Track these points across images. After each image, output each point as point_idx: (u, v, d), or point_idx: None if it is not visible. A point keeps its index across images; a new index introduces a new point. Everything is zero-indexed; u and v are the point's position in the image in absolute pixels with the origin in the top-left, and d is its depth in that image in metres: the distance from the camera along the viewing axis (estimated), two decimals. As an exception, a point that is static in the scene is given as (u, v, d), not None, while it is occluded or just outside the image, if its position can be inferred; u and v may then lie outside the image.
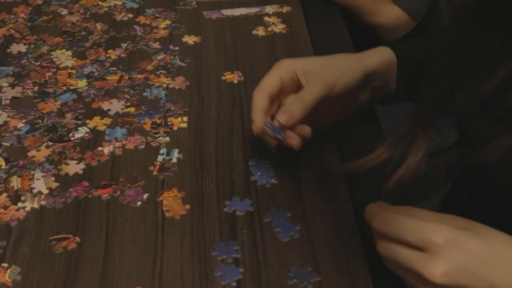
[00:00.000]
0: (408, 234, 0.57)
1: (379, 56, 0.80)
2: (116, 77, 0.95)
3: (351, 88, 0.76)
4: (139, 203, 0.74)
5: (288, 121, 0.72)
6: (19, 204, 0.74)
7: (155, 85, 0.93)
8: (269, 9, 1.12)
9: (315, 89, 0.73)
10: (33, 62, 0.99)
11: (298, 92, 0.74)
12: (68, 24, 1.08)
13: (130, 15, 1.11)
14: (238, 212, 0.72)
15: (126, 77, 0.95)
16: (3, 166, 0.79)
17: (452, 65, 0.58)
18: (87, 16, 1.11)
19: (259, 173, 0.77)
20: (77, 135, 0.84)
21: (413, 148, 0.60)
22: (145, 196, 0.75)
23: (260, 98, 0.74)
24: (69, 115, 0.87)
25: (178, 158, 0.80)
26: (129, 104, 0.90)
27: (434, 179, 1.38)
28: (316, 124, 0.76)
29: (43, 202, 0.74)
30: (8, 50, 1.01)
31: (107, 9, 1.13)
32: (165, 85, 0.93)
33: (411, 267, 0.56)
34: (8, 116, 0.87)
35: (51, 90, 0.92)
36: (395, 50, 0.81)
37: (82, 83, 0.94)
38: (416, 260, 0.56)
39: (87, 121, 0.86)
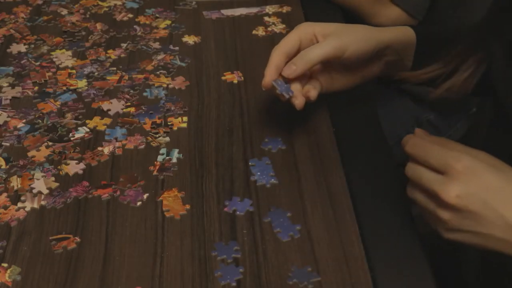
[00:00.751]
0: (432, 158, 0.61)
1: (397, 33, 0.81)
2: (116, 77, 0.95)
3: (362, 56, 0.78)
4: (139, 203, 0.74)
5: (290, 74, 0.75)
6: (19, 204, 0.74)
7: (155, 85, 0.93)
8: (269, 9, 1.12)
9: (322, 48, 0.76)
10: (33, 62, 0.99)
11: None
12: (68, 24, 1.08)
13: (130, 15, 1.11)
14: (238, 212, 0.72)
15: (126, 77, 0.95)
16: (3, 166, 0.79)
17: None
18: (87, 16, 1.11)
19: (259, 173, 0.77)
20: (77, 135, 0.84)
21: (463, 66, 0.66)
22: (145, 196, 0.75)
23: (276, 55, 0.77)
24: (69, 115, 0.87)
25: (178, 158, 0.80)
26: (129, 104, 0.90)
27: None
28: (326, 88, 0.80)
29: (43, 202, 0.74)
30: (8, 50, 1.01)
31: (107, 9, 1.13)
32: (165, 85, 0.93)
33: (430, 188, 0.60)
34: (8, 116, 0.87)
35: (51, 90, 0.92)
36: (416, 30, 0.82)
37: (82, 83, 0.94)
38: (435, 181, 0.60)
39: (87, 121, 0.86)
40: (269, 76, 0.76)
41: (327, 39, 0.77)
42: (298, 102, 0.76)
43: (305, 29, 0.78)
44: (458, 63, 0.70)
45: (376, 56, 0.80)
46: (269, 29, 1.07)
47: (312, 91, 0.77)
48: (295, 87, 0.77)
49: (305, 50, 0.76)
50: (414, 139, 0.64)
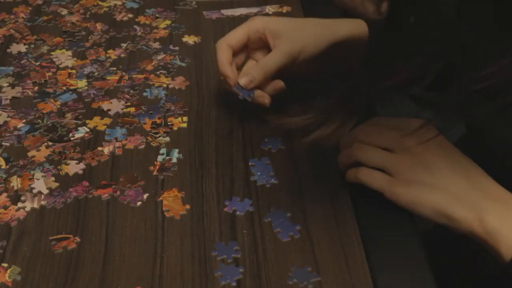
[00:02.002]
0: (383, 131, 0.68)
1: (350, 27, 0.81)
2: (116, 77, 0.95)
3: (315, 56, 0.79)
4: (139, 203, 0.74)
5: (248, 85, 0.77)
6: (19, 204, 0.74)
7: (155, 85, 0.93)
8: (269, 9, 1.12)
9: (277, 58, 0.77)
10: (33, 62, 0.99)
11: (263, 51, 0.80)
12: (68, 24, 1.08)
13: (130, 15, 1.11)
14: (238, 212, 0.72)
15: (126, 77, 0.95)
16: (3, 166, 0.79)
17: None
18: (87, 16, 1.11)
19: (259, 173, 0.77)
20: (77, 135, 0.84)
21: (332, 118, 0.65)
22: (145, 196, 0.75)
23: (223, 50, 0.78)
24: (69, 115, 0.87)
25: (178, 158, 0.80)
26: (129, 104, 0.90)
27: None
28: (292, 75, 0.81)
29: (43, 202, 0.74)
30: (8, 50, 1.01)
31: (107, 9, 1.13)
32: (165, 85, 0.93)
33: (387, 144, 0.66)
34: (8, 116, 0.87)
35: (51, 90, 0.92)
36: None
37: (82, 83, 0.94)
38: (392, 138, 0.66)
39: (87, 121, 0.86)
40: (232, 74, 0.77)
41: (279, 44, 0.77)
42: (265, 100, 0.78)
43: (256, 27, 0.79)
44: (328, 116, 0.66)
45: (328, 52, 0.80)
46: (269, 29, 1.07)
47: (279, 83, 0.78)
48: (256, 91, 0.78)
49: (262, 61, 0.78)
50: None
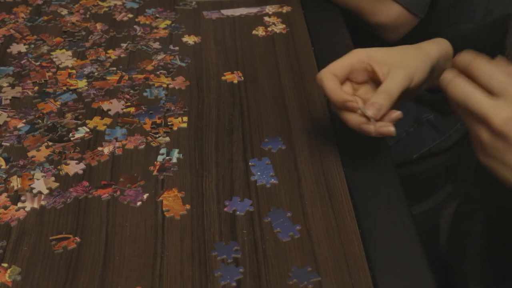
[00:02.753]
0: (492, 79, 0.58)
1: (440, 49, 0.78)
2: (116, 77, 0.95)
3: (424, 80, 0.75)
4: (139, 203, 0.74)
5: (377, 114, 0.70)
6: (19, 204, 0.74)
7: (155, 85, 0.93)
8: (269, 9, 1.12)
9: (399, 80, 0.72)
10: (33, 62, 0.99)
11: (371, 82, 0.75)
12: (68, 24, 1.08)
13: (130, 15, 1.11)
14: (238, 212, 0.72)
15: (126, 77, 0.95)
16: (3, 166, 0.79)
17: None
18: (87, 16, 1.11)
19: (259, 173, 0.77)
20: (77, 135, 0.84)
21: None
22: (145, 196, 0.75)
23: (330, 79, 0.72)
24: (69, 115, 0.87)
25: (178, 158, 0.80)
26: (129, 104, 0.90)
27: (434, 179, 1.38)
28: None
29: (43, 202, 0.74)
30: (8, 50, 1.01)
31: (107, 9, 1.13)
32: (165, 85, 0.93)
33: (478, 108, 0.58)
34: (8, 116, 0.87)
35: (51, 90, 0.92)
36: (447, 39, 0.80)
37: (82, 83, 0.94)
38: (485, 102, 0.57)
39: (87, 121, 0.86)
40: (352, 97, 0.71)
41: (393, 70, 0.73)
42: (392, 129, 0.71)
43: (359, 57, 0.74)
44: None
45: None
46: (269, 29, 1.07)
47: (394, 113, 0.72)
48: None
49: (383, 87, 0.72)
50: (467, 55, 0.61)
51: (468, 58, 0.60)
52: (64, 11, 1.12)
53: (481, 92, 0.58)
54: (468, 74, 0.60)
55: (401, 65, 0.73)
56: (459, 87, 0.60)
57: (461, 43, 0.83)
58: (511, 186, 0.59)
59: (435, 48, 0.78)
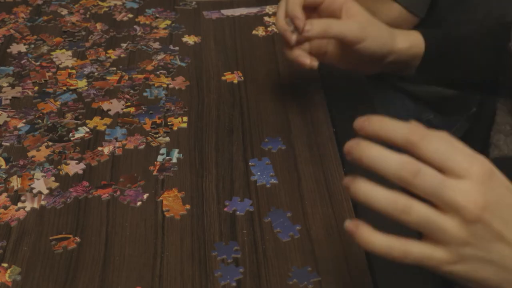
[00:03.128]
0: (450, 159, 0.45)
1: (409, 43, 0.79)
2: (116, 77, 0.95)
3: (369, 55, 0.76)
4: (139, 203, 0.74)
5: (305, 32, 0.72)
6: (19, 204, 0.74)
7: (155, 85, 0.93)
8: (269, 9, 1.12)
9: (346, 28, 0.73)
10: (33, 62, 0.99)
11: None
12: (68, 24, 1.08)
13: (130, 15, 1.11)
14: (238, 212, 0.72)
15: (126, 77, 0.95)
16: (3, 166, 0.79)
17: None
18: (87, 16, 1.11)
19: (259, 173, 0.77)
20: (77, 135, 0.84)
21: None
22: (145, 196, 0.75)
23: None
24: (69, 115, 0.87)
25: (178, 158, 0.80)
26: (129, 104, 0.90)
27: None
28: (321, 58, 0.78)
29: (43, 202, 0.74)
30: (8, 50, 1.01)
31: (107, 9, 1.13)
32: (165, 85, 0.93)
33: (440, 192, 0.45)
34: (8, 116, 0.87)
35: (51, 90, 0.92)
36: (426, 40, 0.80)
37: (82, 83, 0.94)
38: (444, 183, 0.45)
39: (87, 121, 0.86)
40: (302, 16, 0.73)
41: (351, 19, 0.74)
42: (308, 62, 0.74)
43: None
44: None
45: (381, 57, 0.78)
46: (269, 29, 1.07)
47: (316, 62, 0.75)
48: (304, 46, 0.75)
49: (330, 20, 0.73)
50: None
51: (399, 128, 0.47)
52: (64, 11, 1.12)
53: (432, 168, 0.46)
54: (407, 150, 0.46)
55: (361, 22, 0.74)
56: (402, 161, 0.46)
57: (461, 43, 0.83)
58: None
59: (406, 42, 0.78)
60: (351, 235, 0.48)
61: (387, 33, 0.77)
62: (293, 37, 0.74)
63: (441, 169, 0.45)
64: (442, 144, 0.46)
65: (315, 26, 0.72)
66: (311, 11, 0.76)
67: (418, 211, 0.46)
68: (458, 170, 0.45)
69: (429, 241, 0.47)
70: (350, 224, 0.48)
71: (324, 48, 0.79)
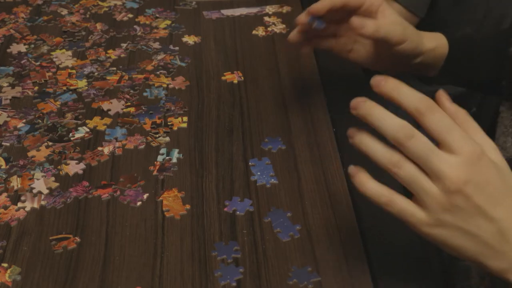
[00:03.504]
0: (450, 134, 0.49)
1: (435, 44, 0.79)
2: (116, 77, 0.95)
3: (408, 55, 0.75)
4: (139, 203, 0.74)
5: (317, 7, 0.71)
6: (19, 204, 0.74)
7: (155, 85, 0.93)
8: (269, 9, 1.12)
9: (391, 29, 0.72)
10: (33, 62, 0.99)
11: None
12: (68, 24, 1.08)
13: (130, 15, 1.11)
14: (238, 212, 0.72)
15: (126, 77, 0.95)
16: (3, 166, 0.79)
17: None
18: (87, 16, 1.11)
19: (259, 173, 0.77)
20: (77, 135, 0.84)
21: None
22: (145, 196, 0.75)
23: None
24: (69, 115, 0.87)
25: (178, 158, 0.80)
26: (129, 104, 0.90)
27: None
28: (345, 56, 0.78)
29: (43, 202, 0.74)
30: (8, 50, 1.01)
31: (107, 9, 1.13)
32: (165, 85, 0.93)
33: (432, 162, 0.49)
34: (8, 116, 0.87)
35: (51, 90, 0.92)
36: (450, 44, 0.80)
37: (82, 83, 0.94)
38: (441, 157, 0.49)
39: (87, 121, 0.86)
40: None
41: (390, 21, 0.73)
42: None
43: None
44: None
45: (408, 58, 0.77)
46: (269, 29, 1.07)
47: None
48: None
49: (378, 21, 0.71)
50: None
51: (411, 95, 0.51)
52: (64, 11, 1.12)
53: (430, 142, 0.49)
54: (414, 117, 0.51)
55: (403, 24, 0.73)
56: (404, 127, 0.51)
57: (461, 43, 0.83)
58: (468, 259, 0.51)
59: (433, 43, 0.78)
60: (351, 177, 0.53)
61: (417, 34, 0.77)
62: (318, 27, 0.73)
63: (437, 141, 0.49)
64: (445, 119, 0.50)
65: (369, 27, 0.70)
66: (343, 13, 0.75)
67: (408, 167, 0.50)
68: (451, 145, 0.49)
69: (415, 201, 0.51)
70: (353, 169, 0.53)
71: (350, 45, 0.79)
